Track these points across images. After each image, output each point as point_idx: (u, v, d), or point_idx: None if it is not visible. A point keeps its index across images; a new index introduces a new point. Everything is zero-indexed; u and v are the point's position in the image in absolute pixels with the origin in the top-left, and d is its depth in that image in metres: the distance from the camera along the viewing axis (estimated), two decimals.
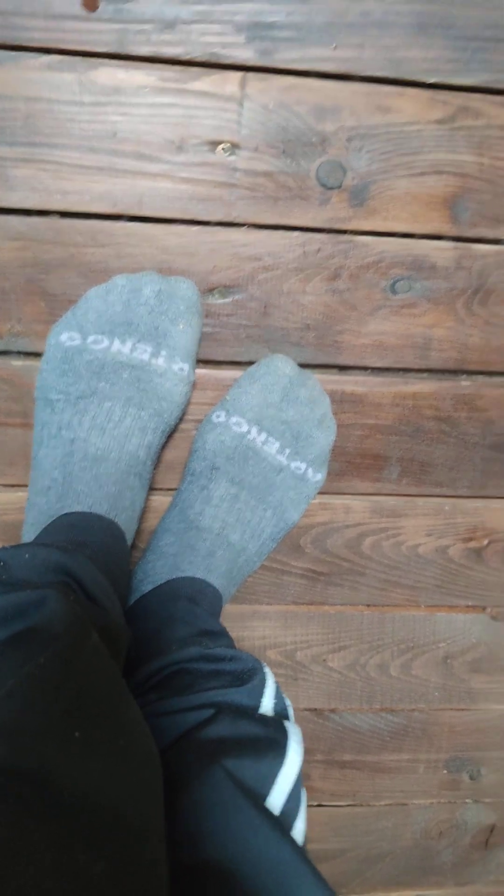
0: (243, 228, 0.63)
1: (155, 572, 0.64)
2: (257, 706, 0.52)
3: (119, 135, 0.59)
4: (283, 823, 0.43)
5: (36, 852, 0.27)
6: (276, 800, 0.45)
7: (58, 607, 0.45)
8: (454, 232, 0.65)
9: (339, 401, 0.68)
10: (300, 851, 0.41)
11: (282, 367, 0.65)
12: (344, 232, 0.64)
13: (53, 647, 0.41)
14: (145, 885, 0.30)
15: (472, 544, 0.75)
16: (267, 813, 0.42)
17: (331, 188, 0.62)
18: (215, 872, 0.40)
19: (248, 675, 0.54)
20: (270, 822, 0.42)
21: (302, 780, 0.47)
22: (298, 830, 0.46)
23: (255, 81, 0.59)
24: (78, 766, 0.33)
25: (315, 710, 0.79)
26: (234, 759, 0.45)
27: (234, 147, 0.61)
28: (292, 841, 0.41)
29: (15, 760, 0.31)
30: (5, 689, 0.36)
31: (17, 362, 0.64)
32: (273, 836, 0.41)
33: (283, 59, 0.59)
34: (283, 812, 0.45)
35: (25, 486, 0.67)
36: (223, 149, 0.61)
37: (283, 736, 0.49)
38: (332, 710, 0.79)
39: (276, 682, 0.55)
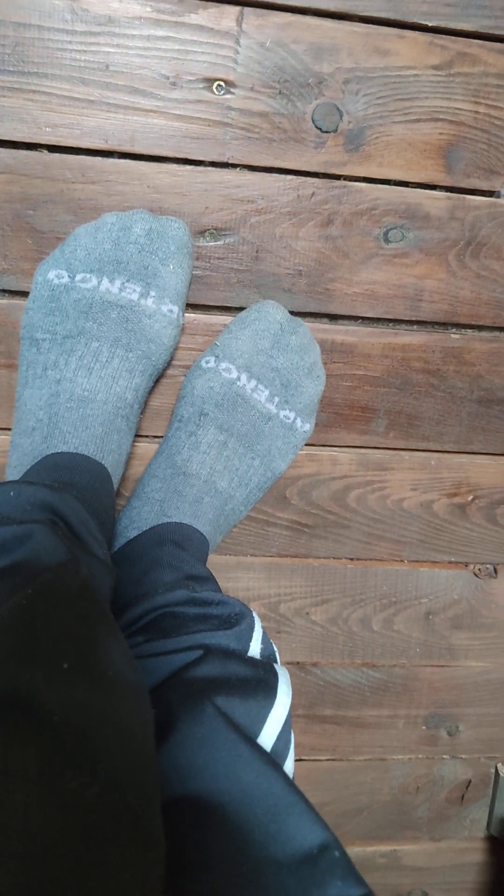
0: (237, 170, 0.62)
1: (141, 518, 0.63)
2: (245, 650, 0.52)
3: (111, 67, 0.58)
4: (273, 759, 0.43)
5: (25, 777, 0.26)
6: (265, 739, 0.45)
7: (45, 541, 0.44)
8: (448, 182, 0.64)
9: (329, 350, 0.67)
10: (291, 784, 0.40)
11: (273, 313, 0.64)
12: (338, 177, 0.63)
13: (41, 579, 0.40)
14: (141, 810, 0.30)
15: (457, 500, 0.75)
16: (257, 747, 0.42)
17: (326, 132, 0.61)
18: (206, 805, 0.39)
19: (236, 619, 0.53)
20: (261, 755, 0.41)
21: (291, 722, 0.47)
22: (288, 770, 0.46)
23: (253, 17, 0.58)
24: (67, 695, 0.32)
25: (297, 663, 0.79)
26: (223, 697, 0.44)
27: (230, 85, 0.59)
28: (283, 774, 0.41)
29: (2, 687, 0.30)
30: None
31: (2, 300, 0.62)
32: (264, 769, 0.41)
33: None
34: (272, 752, 0.45)
35: (8, 428, 0.66)
36: (218, 87, 0.59)
37: (272, 677, 0.49)
38: (314, 664, 0.79)
39: (264, 628, 0.55)
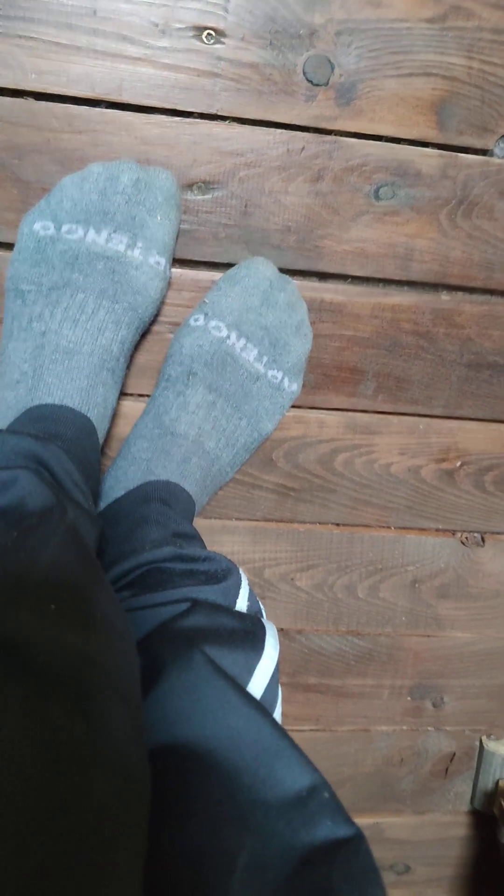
0: (226, 122, 0.61)
1: (127, 478, 0.63)
2: (232, 605, 0.52)
3: (99, 13, 0.57)
4: (262, 705, 0.42)
5: (9, 715, 0.26)
6: (253, 690, 0.46)
7: (30, 487, 0.44)
8: (440, 139, 0.64)
9: (318, 309, 0.67)
10: (279, 728, 0.40)
11: (263, 269, 0.63)
12: (329, 132, 0.62)
13: (27, 523, 0.40)
14: (126, 751, 0.30)
15: (445, 465, 0.74)
16: (246, 693, 0.42)
17: (317, 85, 0.61)
18: (194, 750, 0.39)
19: (223, 575, 0.53)
20: (249, 701, 0.41)
21: (278, 675, 0.47)
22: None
23: None
24: (53, 635, 0.32)
25: (281, 630, 0.78)
26: (211, 647, 0.44)
27: (220, 35, 0.58)
28: (272, 719, 0.41)
29: None
30: None
31: None
32: (252, 714, 0.41)
33: None
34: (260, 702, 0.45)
35: None
36: (208, 36, 0.58)
37: (260, 629, 0.49)
38: (299, 631, 0.79)
39: (250, 585, 0.55)
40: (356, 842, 0.36)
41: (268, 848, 0.35)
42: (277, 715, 0.47)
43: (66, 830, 0.24)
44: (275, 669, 0.47)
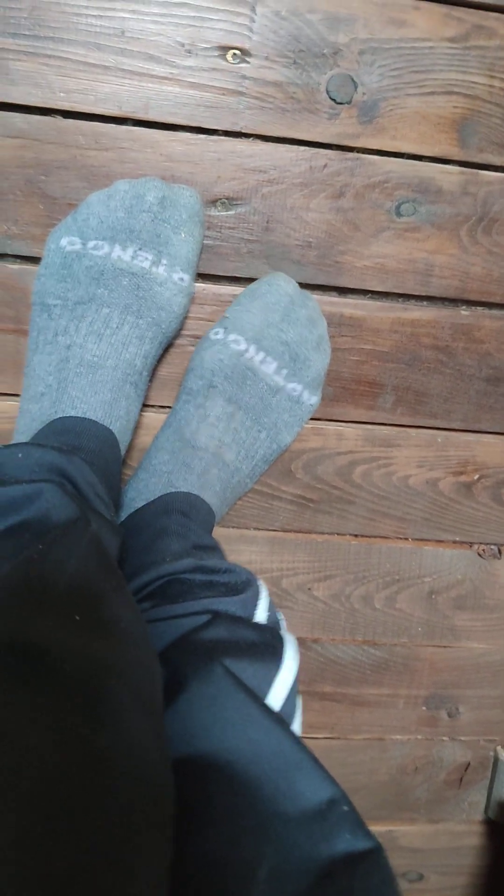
0: (249, 139, 0.62)
1: (148, 490, 0.63)
2: (252, 617, 0.52)
3: (127, 33, 0.58)
4: (282, 718, 0.43)
5: (34, 724, 0.26)
6: (273, 702, 0.46)
7: (54, 499, 0.45)
8: (461, 156, 0.64)
9: (338, 324, 0.68)
10: (299, 741, 0.41)
11: (284, 285, 0.64)
12: (351, 149, 0.63)
13: (51, 535, 0.41)
14: (150, 761, 0.30)
15: (463, 478, 0.75)
16: (265, 706, 0.42)
17: (340, 103, 0.61)
18: (215, 762, 0.40)
19: (242, 587, 0.54)
20: (269, 714, 0.42)
21: (298, 687, 0.48)
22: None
23: None
24: (77, 645, 0.33)
25: (298, 638, 0.79)
26: (231, 659, 0.45)
27: (245, 54, 0.59)
28: (291, 732, 0.41)
29: (12, 637, 0.31)
30: (3, 572, 0.36)
31: (13, 266, 0.63)
32: (272, 727, 0.41)
33: None
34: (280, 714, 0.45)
35: (16, 394, 0.66)
36: (233, 55, 0.59)
37: (279, 642, 0.49)
38: (315, 640, 0.79)
39: (269, 596, 0.55)
40: (376, 854, 0.36)
41: (288, 860, 0.36)
42: (297, 726, 0.47)
43: (90, 836, 0.25)
44: (294, 681, 0.48)
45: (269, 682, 0.46)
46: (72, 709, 0.29)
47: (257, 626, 0.51)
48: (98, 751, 0.28)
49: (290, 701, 0.47)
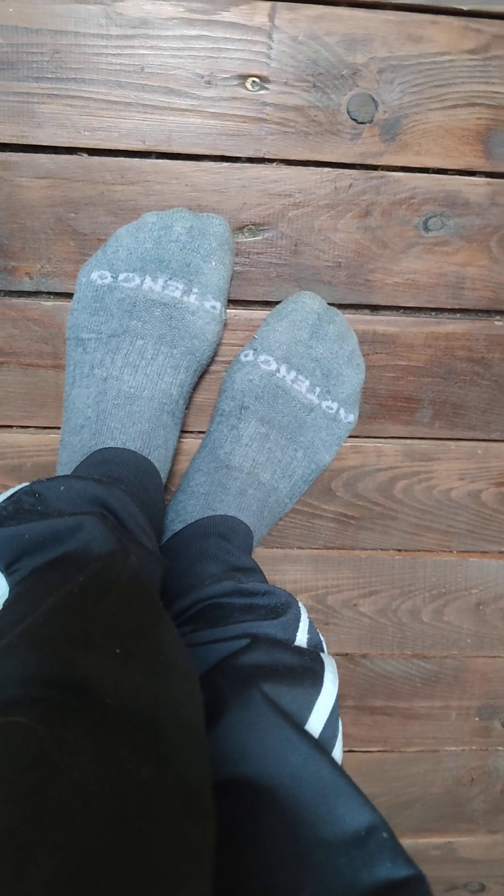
0: (273, 164, 0.62)
1: (186, 512, 0.64)
2: (292, 639, 0.52)
3: (147, 69, 0.59)
4: (320, 744, 0.43)
5: (81, 758, 0.27)
6: (313, 727, 0.46)
7: (95, 532, 0.45)
8: (488, 167, 0.64)
9: (371, 341, 0.67)
10: (338, 767, 0.41)
11: (310, 303, 0.64)
12: (376, 167, 0.63)
13: (92, 568, 0.42)
14: (192, 790, 0.31)
15: None
16: (304, 732, 0.43)
17: (362, 122, 0.61)
18: (256, 787, 0.40)
19: (282, 609, 0.54)
20: (308, 740, 0.42)
21: (338, 710, 0.48)
22: (336, 758, 0.47)
23: (285, 11, 0.58)
24: (119, 678, 0.33)
25: (346, 654, 0.79)
26: (270, 684, 0.45)
27: (264, 81, 0.60)
28: (330, 758, 0.41)
29: (58, 672, 0.32)
30: (46, 607, 0.37)
31: (48, 302, 0.64)
32: (311, 754, 0.41)
33: None
34: (320, 739, 0.45)
35: (57, 427, 0.67)
36: (252, 83, 0.60)
37: (319, 666, 0.49)
38: (364, 656, 0.79)
39: (310, 618, 0.55)
40: (416, 882, 0.36)
41: (329, 887, 0.36)
42: (338, 748, 0.47)
43: (136, 868, 0.25)
44: (334, 705, 0.48)
45: (309, 707, 0.46)
46: (115, 741, 0.29)
47: (297, 649, 0.51)
48: (142, 782, 0.28)
49: (330, 724, 0.47)
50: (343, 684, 0.80)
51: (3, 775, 0.25)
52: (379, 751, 0.84)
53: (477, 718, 0.84)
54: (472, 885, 0.94)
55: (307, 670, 0.48)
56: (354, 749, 0.84)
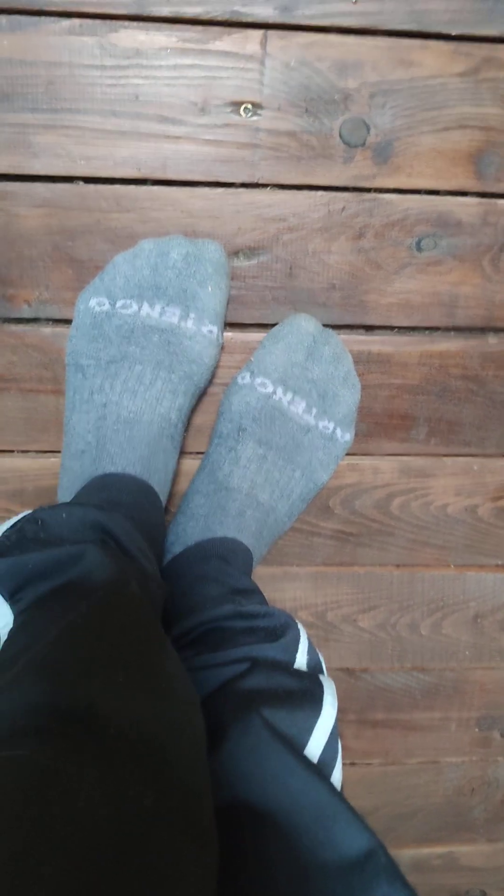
0: (267, 189, 0.63)
1: (186, 534, 0.65)
2: (292, 661, 0.53)
3: (141, 98, 0.59)
4: (318, 768, 0.44)
5: (84, 785, 0.28)
6: (313, 750, 0.46)
7: (97, 560, 0.46)
8: (480, 187, 0.64)
9: (366, 361, 0.68)
10: (336, 792, 0.41)
11: (305, 325, 0.65)
12: (368, 190, 0.64)
13: (94, 597, 0.42)
14: (195, 816, 0.31)
15: (502, 503, 0.75)
16: (303, 757, 0.43)
17: (354, 146, 0.62)
18: (253, 813, 0.41)
19: (282, 631, 0.54)
20: (307, 765, 0.43)
21: (338, 732, 0.48)
22: (336, 780, 0.47)
23: (276, 39, 0.59)
24: (122, 706, 0.34)
25: (347, 669, 0.80)
26: (270, 709, 0.45)
27: (257, 107, 0.60)
28: (329, 784, 0.42)
29: (61, 701, 0.32)
30: (50, 637, 0.37)
31: (47, 329, 0.64)
32: (310, 779, 0.42)
33: (303, 15, 0.58)
34: (319, 762, 0.46)
35: (58, 451, 0.68)
36: (245, 109, 0.60)
37: (318, 688, 0.50)
38: (364, 670, 0.80)
39: (309, 638, 0.56)
40: None
41: None
42: (338, 770, 0.48)
43: (137, 890, 0.26)
44: (333, 727, 0.48)
45: (309, 730, 0.47)
46: (119, 769, 0.30)
47: (297, 672, 0.51)
48: (145, 808, 0.29)
49: (330, 746, 0.47)
50: (344, 698, 0.81)
51: (6, 807, 0.26)
52: (381, 763, 0.85)
53: (477, 729, 0.85)
54: (473, 892, 0.95)
55: (307, 693, 0.49)
56: (356, 762, 0.84)
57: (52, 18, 0.57)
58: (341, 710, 0.81)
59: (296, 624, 0.56)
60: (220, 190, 0.62)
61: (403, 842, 0.89)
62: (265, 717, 0.45)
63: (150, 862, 0.27)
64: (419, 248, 0.65)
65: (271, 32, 0.59)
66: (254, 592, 0.61)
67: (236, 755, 0.43)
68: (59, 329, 0.64)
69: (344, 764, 0.79)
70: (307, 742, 0.46)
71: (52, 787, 0.27)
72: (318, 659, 0.55)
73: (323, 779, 0.42)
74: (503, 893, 0.96)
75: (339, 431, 0.68)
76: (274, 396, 0.65)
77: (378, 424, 0.70)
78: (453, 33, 0.60)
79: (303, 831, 0.40)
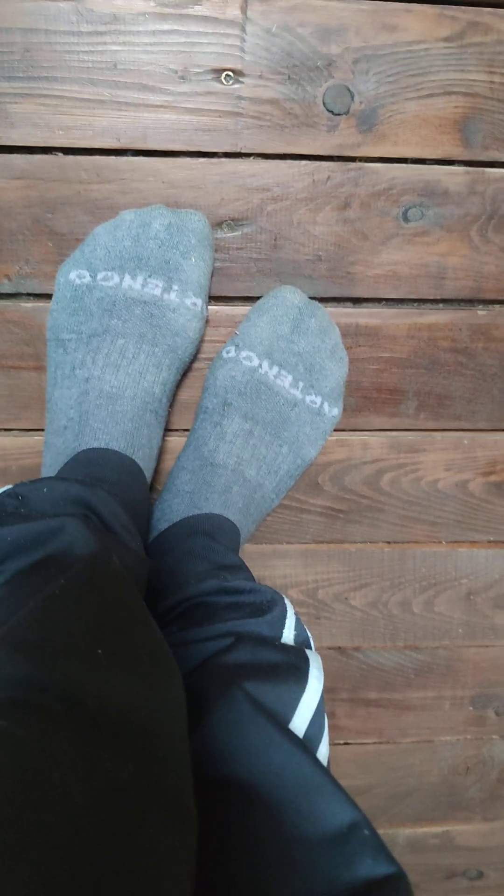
0: (250, 159, 0.62)
1: (172, 510, 0.64)
2: (278, 637, 0.52)
3: (119, 66, 0.58)
4: (303, 742, 0.43)
5: (62, 760, 0.27)
6: (298, 724, 0.46)
7: (77, 533, 0.45)
8: (466, 156, 0.63)
9: (354, 334, 0.67)
10: (320, 765, 0.41)
11: (290, 297, 0.64)
12: (353, 159, 0.63)
13: (74, 570, 0.41)
14: (173, 789, 0.31)
15: (493, 478, 0.74)
16: (287, 731, 0.43)
17: (338, 114, 0.61)
18: (237, 787, 0.40)
19: (268, 607, 0.54)
20: (290, 739, 0.42)
21: (324, 706, 0.48)
22: (322, 755, 0.47)
23: (257, 3, 0.58)
24: (102, 681, 0.33)
25: (339, 648, 0.79)
26: (253, 683, 0.45)
27: (238, 75, 0.59)
28: (313, 756, 0.41)
29: (39, 675, 0.31)
30: (27, 609, 0.37)
31: (27, 304, 0.63)
32: (293, 752, 0.41)
33: None
34: (305, 737, 0.45)
35: (41, 429, 0.67)
36: (227, 77, 0.59)
37: (303, 662, 0.49)
38: (356, 648, 0.79)
39: (297, 614, 0.55)
40: (397, 880, 0.36)
41: (309, 885, 0.36)
42: (325, 745, 0.47)
43: (118, 870, 0.25)
44: (319, 701, 0.48)
45: (293, 705, 0.46)
46: (96, 744, 0.29)
47: (282, 646, 0.51)
48: (123, 783, 0.28)
49: (316, 721, 0.47)
50: (336, 677, 0.80)
51: None
52: (374, 742, 0.84)
53: (471, 708, 0.84)
54: (470, 872, 0.95)
55: (291, 668, 0.48)
56: (350, 741, 0.84)
57: None
58: (334, 690, 0.80)
59: (282, 599, 0.55)
60: (202, 160, 0.61)
61: (399, 821, 0.89)
62: (248, 691, 0.44)
63: (129, 837, 0.26)
64: (406, 219, 0.64)
65: None
66: (240, 568, 0.60)
67: (219, 730, 0.43)
68: (40, 304, 0.64)
69: (337, 743, 0.80)
70: (292, 716, 0.46)
71: (29, 760, 0.26)
72: (306, 634, 0.55)
73: (307, 752, 0.41)
74: (499, 873, 0.95)
75: (326, 406, 0.67)
76: (260, 370, 0.64)
77: (367, 399, 0.70)
78: None
79: (286, 805, 0.39)
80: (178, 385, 0.67)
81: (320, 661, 0.51)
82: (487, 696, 0.84)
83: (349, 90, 0.60)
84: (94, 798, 0.27)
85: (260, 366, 0.63)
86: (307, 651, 0.51)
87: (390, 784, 0.87)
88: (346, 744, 0.84)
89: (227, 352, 0.64)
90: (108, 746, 0.29)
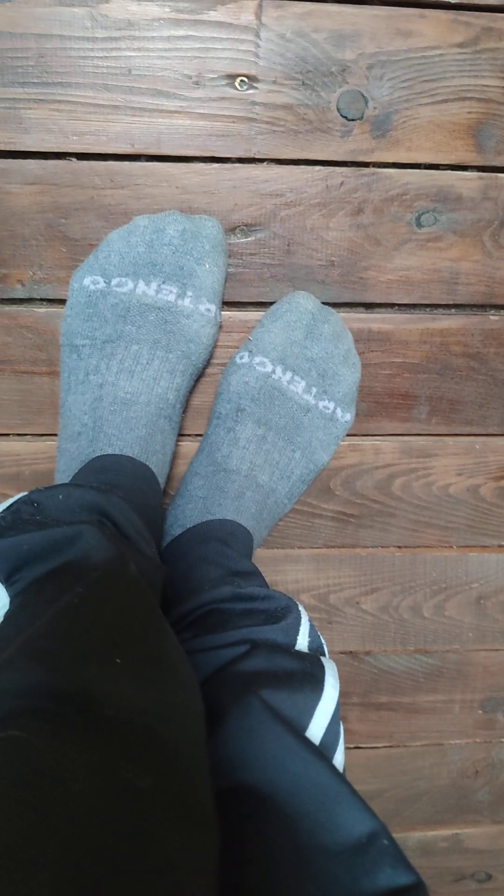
0: (264, 164, 0.62)
1: (185, 516, 0.64)
2: (293, 644, 0.52)
3: (134, 71, 0.58)
4: (320, 750, 0.43)
5: (79, 770, 0.27)
6: (314, 732, 0.46)
7: (94, 541, 0.45)
8: (480, 161, 0.63)
9: (366, 339, 0.67)
10: (338, 773, 0.41)
11: (304, 303, 0.64)
12: (367, 164, 0.62)
13: (91, 577, 0.41)
14: (192, 799, 0.31)
15: None
16: (304, 738, 0.43)
17: (352, 119, 0.61)
18: (254, 795, 0.40)
19: (282, 614, 0.54)
20: (308, 747, 0.42)
21: (339, 714, 0.47)
22: (338, 763, 0.46)
23: (272, 9, 0.57)
24: (119, 689, 0.33)
25: (350, 652, 0.79)
26: (269, 691, 0.45)
27: (252, 80, 0.59)
28: (330, 764, 0.41)
29: (57, 684, 0.31)
30: (45, 618, 0.37)
31: (41, 309, 0.63)
32: (311, 760, 0.41)
33: None
34: (321, 745, 0.45)
35: (54, 434, 0.67)
36: (241, 82, 0.59)
37: (319, 670, 0.49)
38: (367, 653, 0.79)
39: (311, 620, 0.55)
40: (416, 889, 0.36)
41: (329, 894, 0.36)
42: (340, 753, 0.47)
43: (138, 881, 0.25)
44: (335, 709, 0.48)
45: (310, 712, 0.46)
46: (114, 753, 0.29)
47: (297, 654, 0.51)
48: (141, 793, 0.28)
49: (332, 729, 0.47)
50: (347, 681, 0.80)
51: (1, 790, 0.25)
52: (385, 746, 0.84)
53: (480, 711, 0.84)
54: (479, 874, 0.95)
55: (307, 675, 0.48)
56: (361, 745, 0.84)
57: None
58: (345, 694, 0.80)
59: (297, 606, 0.55)
60: (215, 165, 0.61)
61: (409, 824, 0.89)
62: (265, 698, 0.44)
63: (147, 847, 0.26)
64: (419, 224, 0.64)
65: (266, 2, 0.57)
66: (253, 575, 0.60)
67: (236, 738, 0.43)
68: (54, 309, 0.63)
69: (348, 747, 0.79)
70: (308, 724, 0.46)
71: (47, 770, 0.26)
72: (320, 641, 0.55)
73: (324, 760, 0.41)
74: None
75: (339, 411, 0.67)
76: (273, 376, 0.64)
77: (379, 404, 0.70)
78: (452, 1, 0.59)
79: (304, 814, 0.39)
80: (192, 390, 0.67)
81: (336, 668, 0.51)
82: (497, 700, 0.84)
83: (363, 96, 0.60)
84: (113, 807, 0.27)
85: (273, 371, 0.63)
86: (322, 658, 0.51)
87: (401, 787, 0.87)
88: (357, 747, 0.84)
89: (241, 357, 0.64)
90: (126, 755, 0.29)
